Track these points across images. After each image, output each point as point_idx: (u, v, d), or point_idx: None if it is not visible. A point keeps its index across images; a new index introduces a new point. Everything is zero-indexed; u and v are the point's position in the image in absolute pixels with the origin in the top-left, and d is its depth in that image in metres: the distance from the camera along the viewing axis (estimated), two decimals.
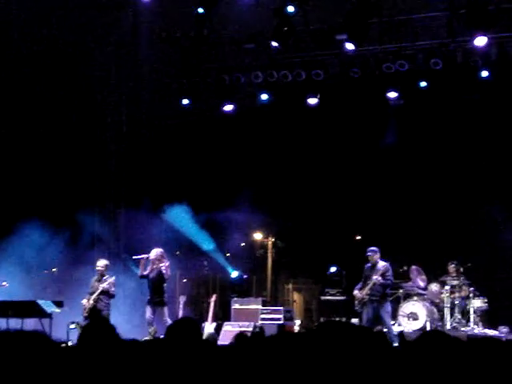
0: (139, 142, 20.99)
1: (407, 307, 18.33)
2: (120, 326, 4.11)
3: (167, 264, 16.93)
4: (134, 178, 20.76)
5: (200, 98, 19.72)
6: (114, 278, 16.90)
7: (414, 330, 17.55)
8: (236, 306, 19.53)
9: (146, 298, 17.03)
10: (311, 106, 19.13)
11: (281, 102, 19.49)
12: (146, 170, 20.58)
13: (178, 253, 20.50)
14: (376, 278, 16.52)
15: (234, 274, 21.42)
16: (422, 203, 21.09)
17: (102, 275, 16.85)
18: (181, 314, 17.24)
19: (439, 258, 19.70)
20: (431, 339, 3.67)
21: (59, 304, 16.63)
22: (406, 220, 21.08)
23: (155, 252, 17.04)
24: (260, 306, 19.53)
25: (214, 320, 18.28)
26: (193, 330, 4.50)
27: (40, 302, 16.33)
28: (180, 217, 20.30)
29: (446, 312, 18.25)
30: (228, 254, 22.29)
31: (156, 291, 16.86)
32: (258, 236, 25.31)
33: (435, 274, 19.17)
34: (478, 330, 17.64)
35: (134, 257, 17.39)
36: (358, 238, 23.31)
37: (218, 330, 18.13)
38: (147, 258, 17.01)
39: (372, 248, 17.05)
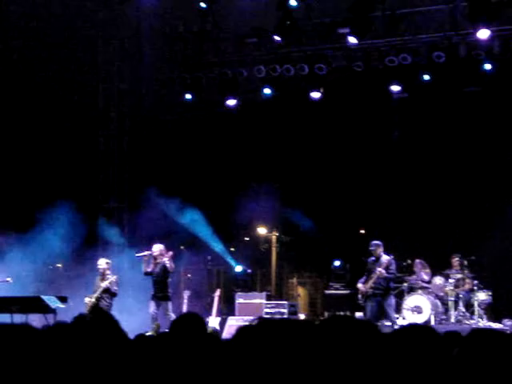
0: (142, 137, 21.00)
1: (411, 301, 18.32)
2: (125, 323, 4.11)
3: (170, 254, 16.88)
4: (137, 174, 20.78)
5: (203, 92, 19.71)
6: (115, 276, 16.83)
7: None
8: (240, 300, 19.56)
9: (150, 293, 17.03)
10: (314, 100, 19.11)
11: (284, 96, 19.48)
12: (149, 165, 20.60)
13: (181, 247, 20.53)
14: (380, 270, 16.54)
15: (238, 268, 21.43)
16: (426, 197, 21.07)
17: (104, 274, 16.82)
18: (185, 308, 17.25)
19: (443, 252, 19.67)
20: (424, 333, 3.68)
21: (63, 299, 16.64)
22: (410, 213, 21.07)
23: (158, 248, 17.05)
24: (264, 301, 19.56)
25: (218, 314, 18.30)
26: (197, 325, 4.50)
27: (44, 297, 16.33)
28: (184, 212, 20.32)
29: (451, 305, 18.22)
30: (232, 249, 22.30)
31: (160, 286, 16.85)
32: (262, 230, 25.30)
33: (439, 267, 19.15)
34: (483, 323, 17.63)
35: (136, 254, 17.34)
36: (362, 231, 23.30)
37: (222, 324, 18.16)
38: (150, 254, 17.00)
39: (375, 241, 17.06)
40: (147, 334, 11.63)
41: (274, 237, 25.23)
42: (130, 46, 20.86)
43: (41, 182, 19.45)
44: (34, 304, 16.13)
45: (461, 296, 18.23)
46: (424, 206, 21.04)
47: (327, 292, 20.76)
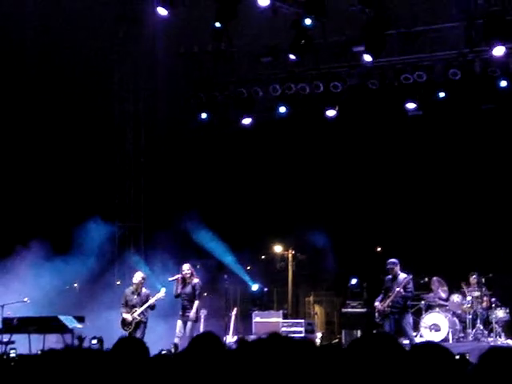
0: (158, 157, 21.06)
1: (429, 318, 18.24)
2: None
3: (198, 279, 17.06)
4: (152, 193, 20.83)
5: (218, 111, 19.74)
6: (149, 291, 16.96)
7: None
8: (257, 319, 19.51)
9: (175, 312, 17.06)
10: (330, 119, 19.09)
11: (299, 114, 19.48)
12: (165, 185, 20.64)
13: (198, 266, 20.53)
14: (399, 289, 16.47)
15: (255, 287, 21.40)
16: (442, 214, 21.02)
17: (139, 288, 16.85)
18: (202, 328, 17.22)
19: (460, 269, 19.59)
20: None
21: (81, 319, 16.67)
22: (427, 231, 21.02)
23: (187, 267, 17.09)
24: (281, 319, 19.51)
25: (235, 333, 18.26)
26: (215, 345, 4.49)
27: (61, 317, 16.37)
28: (200, 231, 20.35)
29: (468, 323, 18.14)
30: (248, 268, 22.29)
31: (189, 306, 16.89)
32: (278, 249, 25.28)
33: (457, 285, 19.07)
34: (501, 340, 17.52)
35: (169, 279, 17.35)
36: (379, 249, 23.25)
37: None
38: (182, 277, 17.05)
39: (392, 260, 16.98)
40: (163, 352, 11.64)
41: (290, 255, 25.21)
42: (145, 65, 20.97)
43: (60, 200, 19.54)
44: (52, 324, 16.18)
45: (478, 314, 18.13)
46: (441, 224, 20.99)
47: (344, 310, 20.69)
